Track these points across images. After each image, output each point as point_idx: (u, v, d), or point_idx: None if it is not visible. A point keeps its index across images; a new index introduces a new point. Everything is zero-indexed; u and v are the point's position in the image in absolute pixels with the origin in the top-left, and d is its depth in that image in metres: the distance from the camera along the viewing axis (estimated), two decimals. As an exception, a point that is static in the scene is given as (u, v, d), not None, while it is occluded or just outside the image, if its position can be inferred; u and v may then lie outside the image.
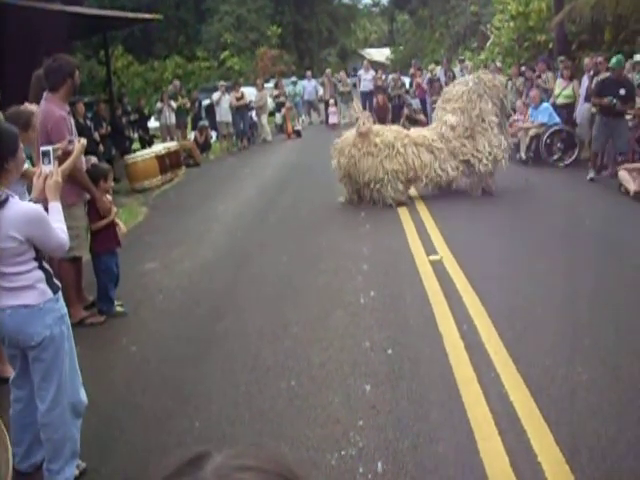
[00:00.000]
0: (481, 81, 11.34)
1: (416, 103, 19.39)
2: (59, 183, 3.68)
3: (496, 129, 11.06)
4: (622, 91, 11.16)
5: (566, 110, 13.68)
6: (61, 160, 5.45)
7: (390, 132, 11.15)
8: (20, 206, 3.41)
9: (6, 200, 3.34)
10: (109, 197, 6.72)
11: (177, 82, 22.14)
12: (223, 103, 19.76)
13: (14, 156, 3.48)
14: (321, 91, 25.73)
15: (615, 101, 11.05)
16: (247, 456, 0.98)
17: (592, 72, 12.99)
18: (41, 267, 3.61)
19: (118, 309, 6.72)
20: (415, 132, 11.44)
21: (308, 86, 25.30)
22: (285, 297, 6.83)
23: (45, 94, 6.13)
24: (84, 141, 5.84)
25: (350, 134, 11.29)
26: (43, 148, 3.75)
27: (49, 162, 3.69)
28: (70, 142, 5.81)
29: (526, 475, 3.67)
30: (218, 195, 12.94)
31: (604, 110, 11.38)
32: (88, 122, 13.70)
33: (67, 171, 5.51)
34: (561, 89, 13.87)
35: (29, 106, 6.33)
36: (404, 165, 10.71)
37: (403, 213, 9.99)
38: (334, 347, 5.48)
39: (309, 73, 26.74)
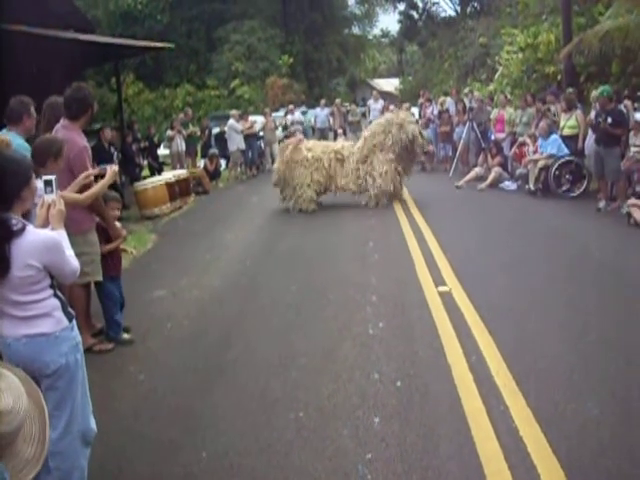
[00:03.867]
0: (393, 118, 13.94)
1: (427, 133, 19.40)
2: (63, 212, 3.70)
3: (387, 163, 13.43)
4: (609, 119, 11.74)
5: (572, 141, 13.70)
6: (85, 186, 5.63)
7: (320, 147, 14.21)
8: (37, 234, 3.44)
9: (23, 229, 3.36)
10: (118, 224, 6.76)
11: (189, 110, 22.29)
12: (239, 131, 19.90)
13: (28, 184, 3.51)
14: (330, 120, 25.82)
15: (599, 120, 11.95)
16: None
17: (599, 104, 13.04)
18: (56, 295, 3.63)
19: (125, 336, 6.72)
20: (339, 145, 14.51)
21: (321, 114, 25.38)
22: (294, 327, 6.81)
23: (63, 122, 6.18)
24: (116, 168, 5.95)
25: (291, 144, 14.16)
26: (45, 177, 3.76)
27: (52, 191, 3.71)
28: (109, 166, 5.99)
29: (536, 511, 3.64)
30: (227, 223, 12.99)
31: (596, 139, 12.10)
32: (112, 149, 13.81)
33: (95, 195, 5.76)
34: (565, 120, 13.92)
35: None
36: (326, 176, 13.65)
37: (412, 243, 9.99)
38: (342, 378, 5.46)
39: (323, 101, 26.87)
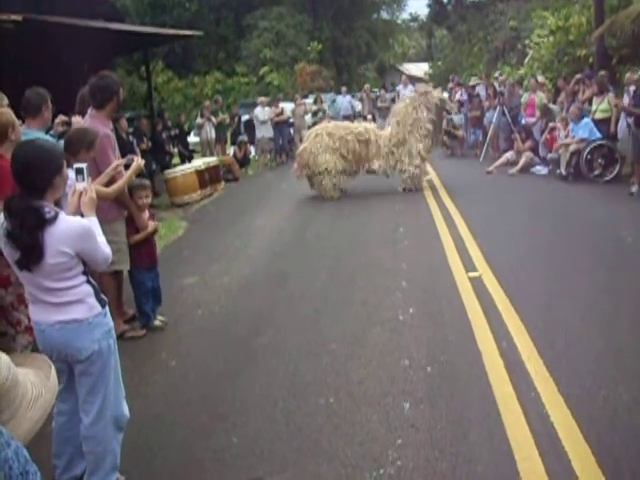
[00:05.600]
0: (416, 94, 14.20)
1: (459, 119, 19.31)
2: (94, 199, 3.75)
3: (422, 140, 13.62)
4: None
5: (604, 125, 13.53)
6: (112, 178, 5.71)
7: (339, 130, 13.80)
8: (69, 222, 3.49)
9: (56, 217, 3.41)
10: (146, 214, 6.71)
11: (219, 98, 22.33)
12: (262, 119, 19.90)
13: (60, 172, 3.56)
14: (358, 106, 25.70)
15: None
16: None
17: (633, 87, 12.83)
18: (89, 281, 3.68)
19: (157, 323, 6.77)
20: (360, 128, 14.08)
21: (343, 101, 25.33)
22: (323, 314, 6.83)
23: (90, 111, 6.23)
24: (142, 161, 6.00)
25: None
26: (77, 165, 3.79)
27: (83, 179, 3.75)
28: (135, 157, 6.04)
29: (567, 497, 3.62)
30: (257, 210, 13.03)
31: (636, 122, 11.60)
32: (130, 137, 13.87)
33: (121, 189, 5.87)
34: (597, 104, 13.74)
35: (75, 119, 6.47)
36: (351, 160, 13.56)
37: (442, 228, 9.95)
38: (373, 364, 5.47)
39: (344, 89, 26.82)
